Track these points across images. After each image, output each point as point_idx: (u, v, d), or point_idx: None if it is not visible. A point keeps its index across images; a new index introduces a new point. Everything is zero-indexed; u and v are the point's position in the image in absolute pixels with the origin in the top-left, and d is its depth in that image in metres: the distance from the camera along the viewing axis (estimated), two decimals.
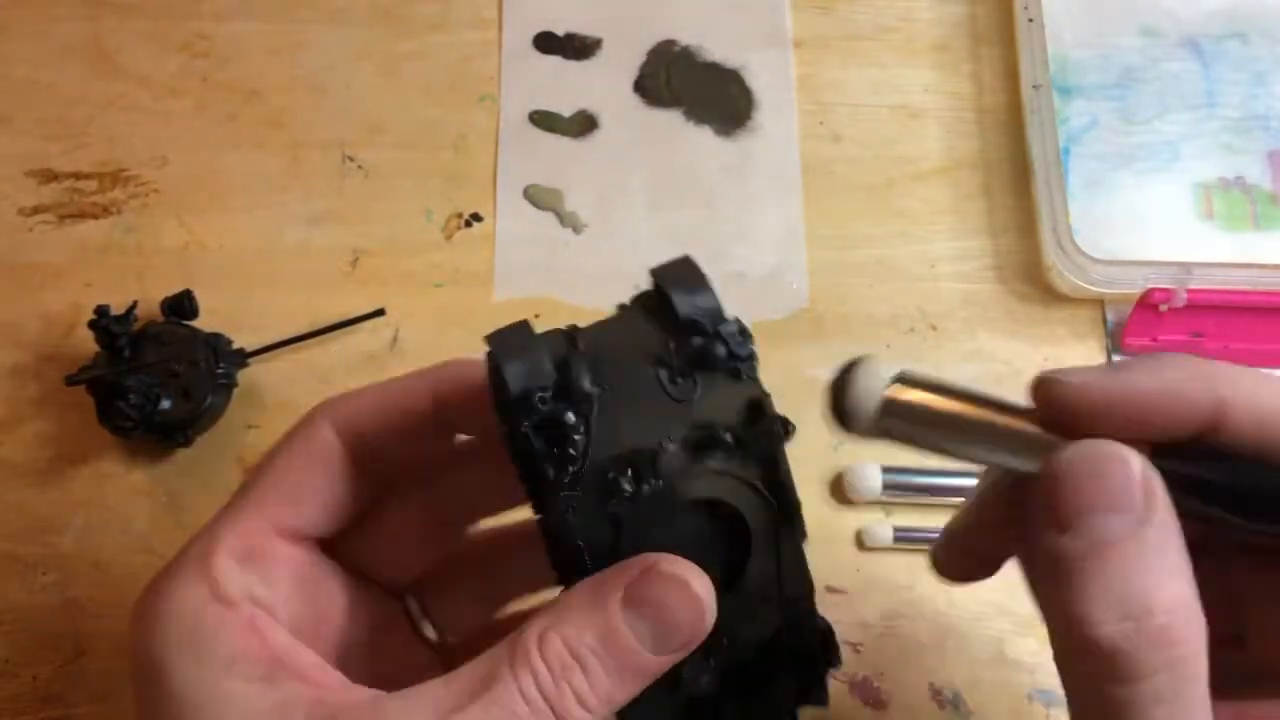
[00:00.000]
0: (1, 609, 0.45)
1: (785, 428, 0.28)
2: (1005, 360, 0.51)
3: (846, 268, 0.52)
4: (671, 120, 0.55)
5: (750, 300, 0.51)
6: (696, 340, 0.28)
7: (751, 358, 0.28)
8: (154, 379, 0.45)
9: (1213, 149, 0.55)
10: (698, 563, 0.28)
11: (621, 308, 0.30)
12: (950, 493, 0.47)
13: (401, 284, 0.51)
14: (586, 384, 0.27)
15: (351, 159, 0.53)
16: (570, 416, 0.26)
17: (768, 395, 0.28)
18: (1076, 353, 0.51)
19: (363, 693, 0.27)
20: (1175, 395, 0.26)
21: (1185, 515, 0.25)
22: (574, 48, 0.56)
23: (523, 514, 0.31)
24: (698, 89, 0.56)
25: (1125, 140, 0.55)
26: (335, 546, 0.32)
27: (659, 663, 0.27)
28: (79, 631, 0.44)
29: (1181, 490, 0.25)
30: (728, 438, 0.27)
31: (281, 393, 0.49)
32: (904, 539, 0.46)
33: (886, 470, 0.46)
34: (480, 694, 0.26)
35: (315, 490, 0.31)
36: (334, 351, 0.49)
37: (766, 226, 0.53)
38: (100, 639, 0.44)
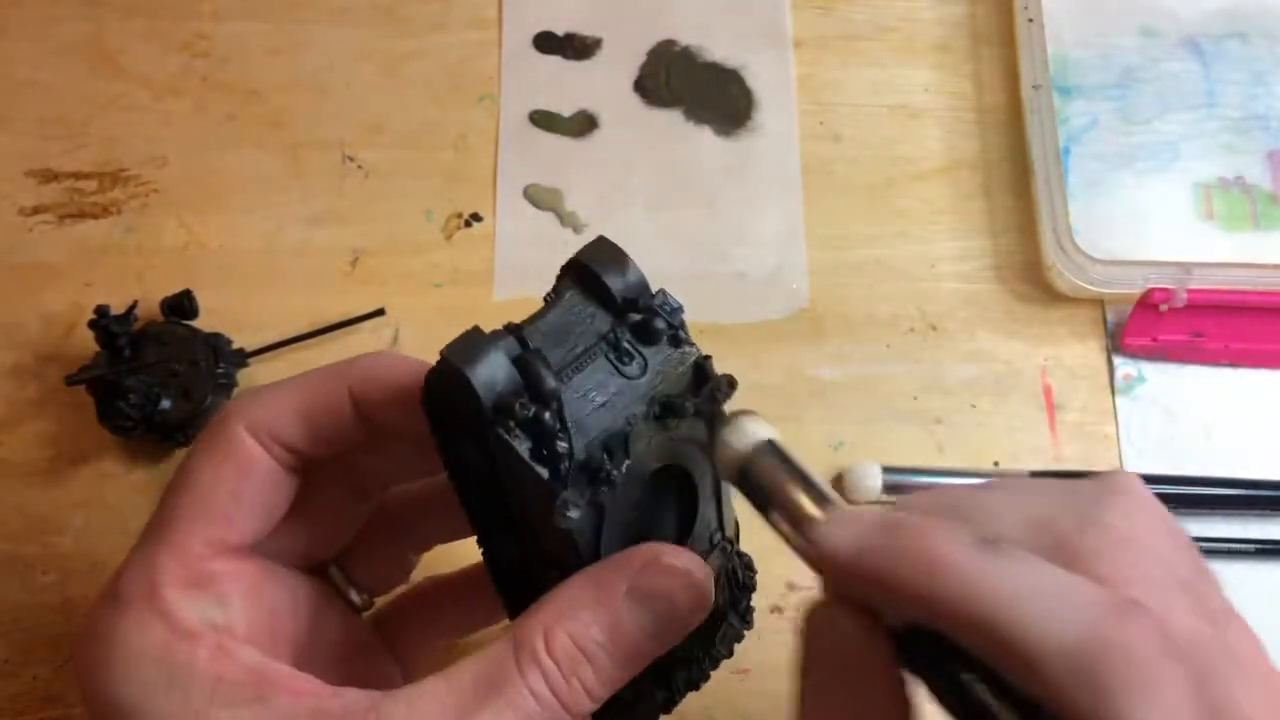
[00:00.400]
0: (1, 609, 0.45)
1: (730, 384, 0.29)
2: (1005, 360, 0.51)
3: (846, 268, 0.52)
4: (671, 120, 0.55)
5: (750, 300, 0.51)
6: (635, 317, 0.29)
7: (681, 320, 0.29)
8: (154, 379, 0.45)
9: (1213, 149, 0.55)
10: (663, 527, 0.29)
11: (549, 297, 0.30)
12: None
13: (401, 284, 0.51)
14: (550, 381, 0.27)
15: (351, 159, 0.53)
16: (547, 416, 0.26)
17: (708, 357, 0.29)
18: (1076, 352, 0.51)
19: (355, 695, 0.27)
20: (895, 584, 0.24)
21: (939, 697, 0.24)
22: (574, 48, 0.56)
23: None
24: (698, 89, 0.56)
25: (1125, 140, 0.55)
26: (264, 544, 0.32)
27: (662, 648, 0.28)
28: (79, 631, 0.44)
29: (930, 671, 0.24)
30: (685, 405, 0.28)
31: None
32: None
33: (886, 470, 0.46)
34: (490, 696, 0.26)
35: (246, 502, 0.30)
36: (334, 351, 0.49)
37: (766, 226, 0.53)
38: None
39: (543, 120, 0.55)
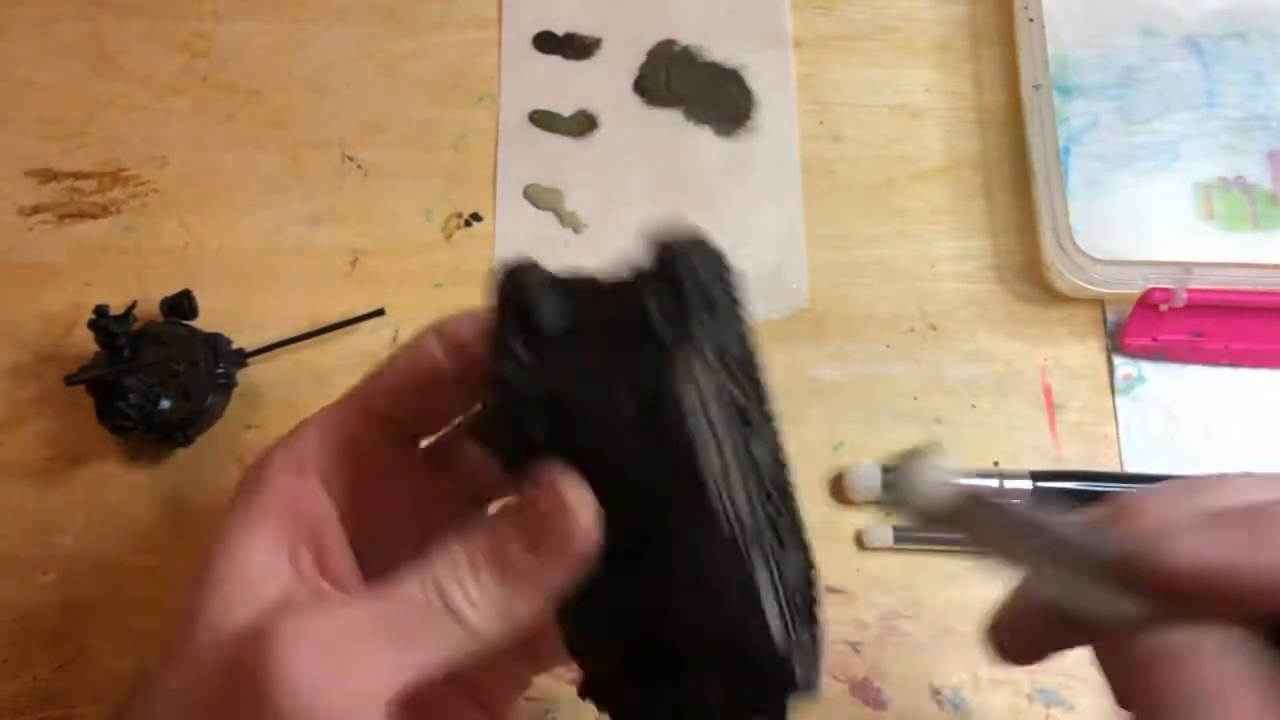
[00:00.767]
0: (1, 609, 0.45)
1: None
2: (1005, 360, 0.51)
3: (846, 268, 0.52)
4: (671, 120, 0.55)
5: (750, 300, 0.51)
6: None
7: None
8: (154, 379, 0.45)
9: (1213, 149, 0.55)
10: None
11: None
12: None
13: (401, 284, 0.51)
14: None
15: (351, 159, 0.53)
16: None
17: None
18: (1076, 352, 0.51)
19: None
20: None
21: None
22: (574, 48, 0.56)
23: None
24: (698, 89, 0.56)
25: (1125, 140, 0.55)
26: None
27: (546, 575, 0.27)
28: (79, 631, 0.44)
29: None
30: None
31: (281, 393, 0.49)
32: (904, 539, 0.46)
33: (887, 470, 0.46)
34: (387, 588, 0.27)
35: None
36: (334, 351, 0.49)
37: (766, 226, 0.53)
38: (100, 639, 0.44)
39: (543, 120, 0.55)
